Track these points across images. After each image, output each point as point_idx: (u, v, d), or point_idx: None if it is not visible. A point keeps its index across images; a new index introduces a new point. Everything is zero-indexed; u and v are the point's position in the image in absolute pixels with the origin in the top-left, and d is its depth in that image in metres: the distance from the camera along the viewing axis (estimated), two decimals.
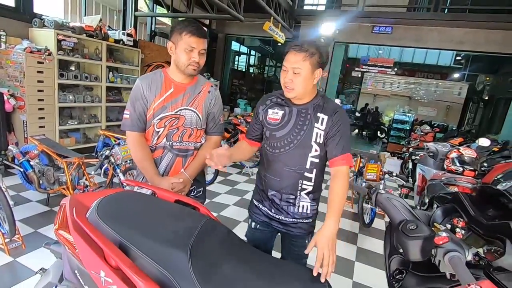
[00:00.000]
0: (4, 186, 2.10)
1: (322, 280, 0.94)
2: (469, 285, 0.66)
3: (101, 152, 2.75)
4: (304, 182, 1.33)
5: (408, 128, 8.42)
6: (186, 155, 1.52)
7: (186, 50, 1.37)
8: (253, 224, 1.47)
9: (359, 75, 9.50)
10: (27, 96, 3.76)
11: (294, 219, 1.38)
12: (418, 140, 5.53)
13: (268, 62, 13.48)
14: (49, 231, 2.47)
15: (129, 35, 5.17)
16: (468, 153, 2.86)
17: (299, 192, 1.34)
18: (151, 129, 1.47)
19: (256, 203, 1.47)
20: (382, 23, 6.92)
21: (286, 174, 1.32)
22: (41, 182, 2.85)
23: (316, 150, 1.29)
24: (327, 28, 6.91)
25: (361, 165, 4.03)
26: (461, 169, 2.74)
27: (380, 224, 3.45)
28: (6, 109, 3.68)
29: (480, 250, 0.80)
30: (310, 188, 1.35)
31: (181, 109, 1.45)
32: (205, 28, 1.47)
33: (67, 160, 2.79)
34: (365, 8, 6.63)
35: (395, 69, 10.29)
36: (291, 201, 1.36)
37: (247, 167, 4.86)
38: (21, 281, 1.88)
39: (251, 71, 12.76)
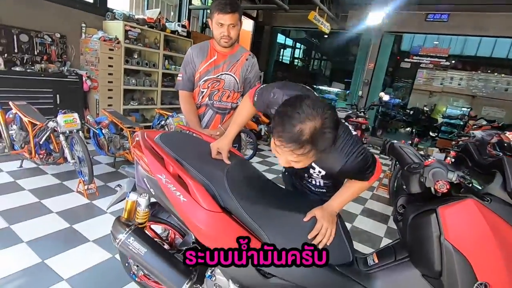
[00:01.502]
0: (85, 143, 2.62)
1: (319, 245, 1.05)
2: (437, 181, 0.81)
3: (158, 122, 3.19)
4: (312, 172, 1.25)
5: (461, 123, 7.77)
6: (224, 113, 1.80)
7: (217, 25, 1.61)
8: (284, 168, 1.59)
9: (409, 67, 8.96)
10: (100, 78, 4.44)
11: (309, 187, 1.40)
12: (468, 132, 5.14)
13: (314, 55, 13.37)
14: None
15: (183, 26, 5.69)
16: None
17: (307, 175, 1.32)
18: (197, 89, 1.78)
19: None
20: (438, 10, 6.50)
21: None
22: (109, 147, 3.41)
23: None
24: (375, 17, 6.72)
25: None
26: (501, 155, 2.57)
27: None
28: (84, 89, 4.39)
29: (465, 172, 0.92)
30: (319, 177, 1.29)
31: (221, 74, 1.73)
32: (237, 2, 1.67)
33: (131, 129, 3.30)
34: None
35: (452, 61, 9.45)
36: (303, 178, 1.38)
37: None
38: (95, 217, 2.36)
39: (295, 63, 12.81)
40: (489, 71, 12.33)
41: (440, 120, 9.72)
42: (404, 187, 1.13)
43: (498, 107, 13.53)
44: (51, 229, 2.10)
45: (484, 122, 5.81)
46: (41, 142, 2.70)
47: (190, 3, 6.55)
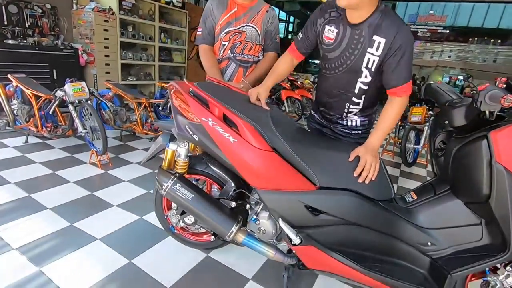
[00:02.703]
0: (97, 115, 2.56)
1: (360, 180, 1.10)
2: (503, 97, 0.84)
3: (162, 97, 3.13)
4: (351, 106, 1.34)
5: (458, 91, 7.92)
6: (246, 66, 1.77)
7: None
8: (309, 130, 1.68)
9: None
10: (96, 52, 4.27)
11: (343, 131, 1.45)
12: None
13: None
14: (127, 157, 2.95)
15: None
16: None
17: (345, 113, 1.38)
18: (218, 43, 1.72)
19: (313, 112, 1.67)
20: None
21: (334, 95, 1.35)
22: (115, 120, 3.34)
23: (366, 77, 1.22)
24: None
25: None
26: None
27: (421, 171, 3.52)
28: (80, 63, 4.23)
29: None
30: (357, 111, 1.37)
31: (243, 26, 1.68)
32: None
33: (137, 101, 3.23)
34: None
35: (448, 31, 9.45)
36: (338, 119, 1.44)
37: None
38: (114, 185, 2.35)
39: (290, 37, 12.58)
40: (480, 42, 12.38)
41: None
42: (446, 122, 1.15)
43: (489, 80, 13.76)
44: (73, 196, 2.09)
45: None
46: (50, 112, 2.62)
47: None
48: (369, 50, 1.15)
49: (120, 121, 3.37)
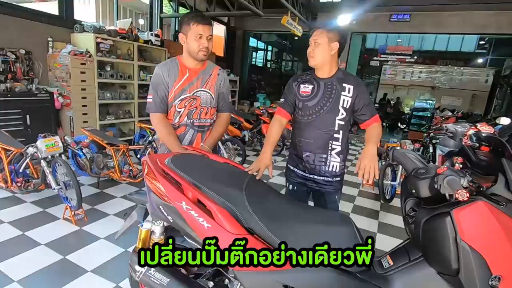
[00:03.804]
0: (72, 167, 2.48)
1: (364, 181, 1.31)
2: (457, 191, 0.90)
3: (145, 138, 3.09)
4: (334, 142, 1.60)
5: (429, 115, 8.34)
6: (204, 130, 1.77)
7: (196, 38, 1.58)
8: (290, 186, 1.75)
9: (377, 65, 9.44)
10: (72, 95, 4.21)
11: (326, 177, 1.65)
12: (439, 125, 5.54)
13: (285, 56, 13.63)
14: (104, 207, 2.85)
15: (156, 35, 5.55)
16: (485, 129, 2.96)
17: (329, 151, 1.61)
18: (172, 109, 1.68)
19: (291, 168, 1.74)
20: (400, 10, 6.92)
21: (318, 136, 1.59)
22: (92, 167, 3.25)
23: (342, 114, 1.56)
24: (344, 19, 6.99)
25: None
26: (477, 145, 2.83)
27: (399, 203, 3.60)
28: (56, 107, 4.14)
29: (474, 178, 1.01)
30: (339, 148, 1.62)
31: (197, 91, 1.69)
32: (212, 20, 1.72)
33: (114, 147, 3.17)
34: None
35: (415, 57, 10.13)
36: (323, 160, 1.62)
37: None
38: (88, 245, 2.24)
39: (268, 66, 12.97)
40: (445, 64, 13.35)
41: (408, 113, 10.34)
42: (413, 191, 1.20)
43: (455, 96, 14.76)
44: (43, 263, 1.97)
45: (450, 113, 6.30)
46: (20, 170, 2.51)
47: (161, 11, 6.40)
48: (342, 93, 1.55)
49: (97, 168, 3.28)
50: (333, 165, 1.63)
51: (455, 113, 6.42)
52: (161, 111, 1.67)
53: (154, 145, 3.09)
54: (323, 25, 1.54)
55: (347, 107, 1.56)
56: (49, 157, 2.47)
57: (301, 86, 1.62)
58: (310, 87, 1.60)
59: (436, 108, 8.92)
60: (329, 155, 1.62)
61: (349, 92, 1.54)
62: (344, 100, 1.55)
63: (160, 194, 1.16)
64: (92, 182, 3.42)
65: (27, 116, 3.80)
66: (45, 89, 4.04)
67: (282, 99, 1.69)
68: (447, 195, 1.00)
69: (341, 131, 1.60)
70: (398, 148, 1.33)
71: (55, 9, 4.51)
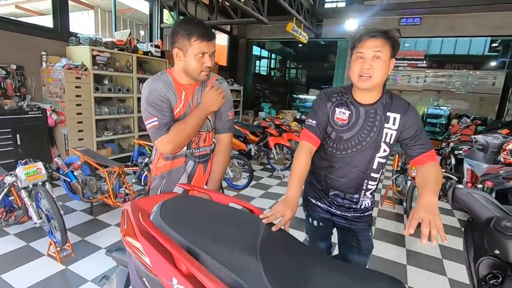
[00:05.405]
0: (54, 197, 2.18)
1: (433, 244, 0.90)
2: None
3: (141, 161, 2.79)
4: (370, 182, 1.31)
5: (443, 122, 7.94)
6: (205, 160, 1.47)
7: (197, 56, 1.25)
8: (314, 222, 1.44)
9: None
10: (67, 111, 3.95)
11: (356, 214, 1.37)
12: (459, 134, 5.17)
13: (289, 64, 13.39)
14: (96, 238, 2.53)
15: (156, 46, 5.32)
16: None
17: (363, 191, 1.32)
18: None
19: (314, 201, 1.42)
20: (410, 14, 6.63)
21: (352, 175, 1.29)
22: (84, 191, 2.95)
23: (384, 151, 1.26)
24: (350, 25, 6.73)
25: (399, 163, 3.83)
26: None
27: None
28: (49, 124, 3.88)
29: None
30: (374, 187, 1.34)
31: None
32: (213, 30, 1.36)
33: (108, 170, 2.87)
34: (390, 0, 6.39)
35: (424, 62, 9.80)
36: (354, 200, 1.32)
37: (278, 169, 4.78)
38: None
39: (273, 74, 12.73)
40: (453, 68, 12.95)
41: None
42: (496, 252, 0.86)
43: (462, 100, 14.31)
44: None
45: (468, 120, 5.92)
46: None
47: (161, 21, 6.20)
48: (386, 125, 1.22)
49: (90, 192, 2.98)
50: (365, 204, 1.37)
51: (473, 121, 6.05)
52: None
53: (151, 167, 2.78)
54: (380, 31, 1.11)
55: (391, 142, 1.24)
56: (31, 186, 2.17)
57: (337, 110, 1.26)
58: (347, 113, 1.24)
59: (456, 115, 8.48)
60: (362, 195, 1.32)
61: (394, 124, 1.22)
62: (387, 133, 1.23)
63: (144, 263, 0.84)
64: (85, 207, 3.11)
65: (17, 135, 3.53)
66: (37, 106, 3.78)
67: (310, 120, 1.29)
68: None
69: (380, 170, 1.30)
70: (461, 187, 0.99)
71: (49, 22, 4.30)
